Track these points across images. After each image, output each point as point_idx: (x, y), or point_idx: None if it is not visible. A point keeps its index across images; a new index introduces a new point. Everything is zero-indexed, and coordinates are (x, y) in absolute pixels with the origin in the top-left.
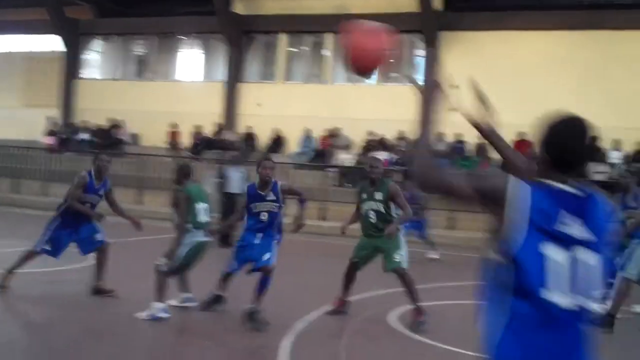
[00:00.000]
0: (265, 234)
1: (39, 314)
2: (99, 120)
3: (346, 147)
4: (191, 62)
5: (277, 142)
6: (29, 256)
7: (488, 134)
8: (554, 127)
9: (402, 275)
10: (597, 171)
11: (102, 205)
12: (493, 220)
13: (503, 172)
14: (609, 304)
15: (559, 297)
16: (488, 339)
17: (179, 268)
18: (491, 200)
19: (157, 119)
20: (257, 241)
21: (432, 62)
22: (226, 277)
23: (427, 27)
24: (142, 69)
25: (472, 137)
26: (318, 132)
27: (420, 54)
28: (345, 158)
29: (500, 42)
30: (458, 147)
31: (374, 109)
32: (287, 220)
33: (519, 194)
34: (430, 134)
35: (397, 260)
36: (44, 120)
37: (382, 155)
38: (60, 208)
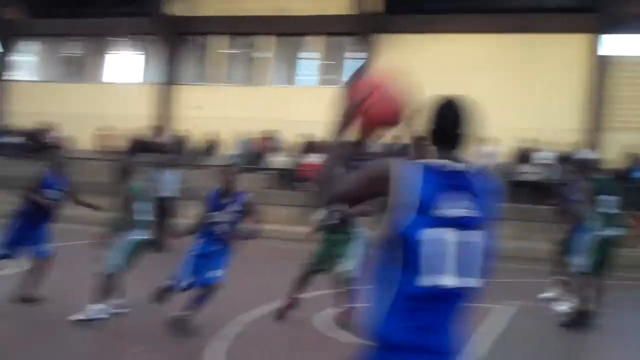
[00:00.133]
0: (221, 245)
1: None
2: (30, 123)
3: (281, 149)
4: (125, 64)
5: (211, 145)
6: None
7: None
8: (434, 109)
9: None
10: (523, 171)
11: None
12: (382, 201)
13: (381, 159)
14: (572, 305)
15: (444, 276)
16: (373, 320)
17: (122, 267)
18: (378, 188)
19: (89, 122)
20: (210, 252)
21: (361, 68)
22: (169, 290)
23: (362, 29)
24: (74, 70)
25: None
26: (255, 135)
27: (354, 57)
28: (280, 160)
29: (432, 45)
30: (395, 147)
31: (313, 111)
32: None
33: (403, 175)
34: (341, 137)
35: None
36: None
37: (312, 157)
38: (19, 208)
